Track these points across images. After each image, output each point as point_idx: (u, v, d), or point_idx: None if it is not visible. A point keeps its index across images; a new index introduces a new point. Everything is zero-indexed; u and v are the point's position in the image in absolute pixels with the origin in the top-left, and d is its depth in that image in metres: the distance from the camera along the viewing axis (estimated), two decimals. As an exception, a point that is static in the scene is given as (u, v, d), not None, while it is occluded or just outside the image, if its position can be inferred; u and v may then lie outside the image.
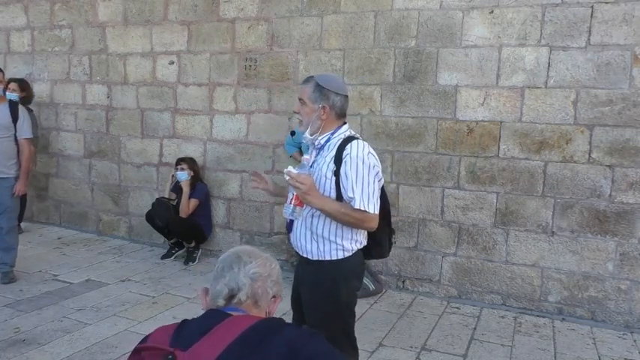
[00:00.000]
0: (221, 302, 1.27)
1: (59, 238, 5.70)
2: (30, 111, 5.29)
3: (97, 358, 3.11)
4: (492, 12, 3.97)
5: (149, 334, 1.19)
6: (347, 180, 2.04)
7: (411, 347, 3.38)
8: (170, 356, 1.07)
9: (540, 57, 3.87)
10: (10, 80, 5.33)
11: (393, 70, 4.32)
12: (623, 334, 3.69)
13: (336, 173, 2.07)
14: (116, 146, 5.72)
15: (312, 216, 2.14)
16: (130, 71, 5.53)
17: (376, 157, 2.12)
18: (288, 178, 1.96)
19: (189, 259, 5.01)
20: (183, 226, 4.93)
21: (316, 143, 2.18)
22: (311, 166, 2.15)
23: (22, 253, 4.60)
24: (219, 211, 5.22)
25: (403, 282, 4.45)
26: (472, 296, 4.22)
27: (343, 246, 2.13)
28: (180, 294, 4.18)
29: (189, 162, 5.01)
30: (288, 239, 2.37)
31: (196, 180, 5.01)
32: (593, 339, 3.61)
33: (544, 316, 3.95)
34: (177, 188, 5.03)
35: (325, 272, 2.14)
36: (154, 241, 5.48)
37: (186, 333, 1.14)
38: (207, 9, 5.03)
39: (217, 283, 1.29)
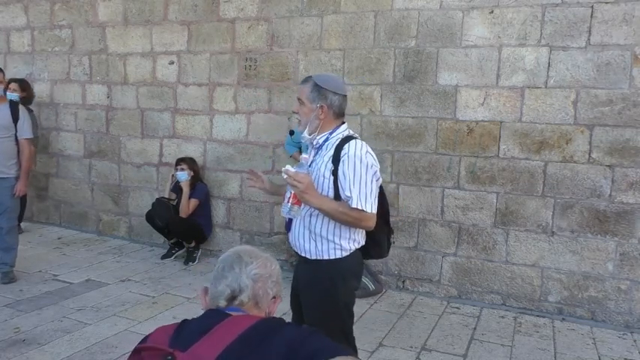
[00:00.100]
0: (222, 303, 1.26)
1: (59, 238, 5.70)
2: (30, 111, 5.29)
3: (97, 358, 3.11)
4: (492, 12, 3.97)
5: (149, 335, 1.19)
6: (345, 179, 2.05)
7: (411, 347, 3.38)
8: (169, 357, 1.06)
9: (540, 57, 3.87)
10: (11, 80, 5.33)
11: (393, 70, 4.32)
12: (623, 334, 3.69)
13: (334, 173, 2.07)
14: (116, 146, 5.72)
15: (311, 215, 2.14)
16: (130, 71, 5.53)
17: (374, 156, 2.12)
18: (286, 176, 1.96)
19: (189, 259, 5.01)
20: (183, 226, 4.93)
21: (314, 143, 2.18)
22: (309, 166, 2.16)
23: (22, 253, 4.60)
24: (219, 211, 5.22)
25: (403, 282, 4.45)
26: (472, 296, 4.22)
27: (341, 245, 2.13)
28: (180, 294, 4.18)
29: (189, 162, 5.01)
30: (288, 239, 2.37)
31: (196, 180, 5.01)
32: (593, 339, 3.61)
33: (544, 316, 3.95)
34: (177, 188, 5.03)
35: (323, 272, 2.14)
36: (154, 241, 5.48)
37: (185, 333, 1.14)
38: (207, 9, 5.03)
39: (219, 284, 1.29)
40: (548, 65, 3.86)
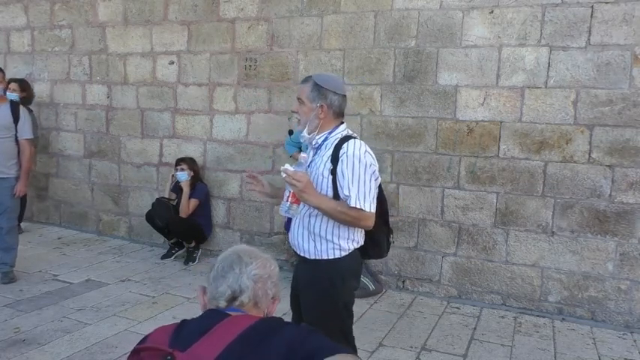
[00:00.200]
0: (223, 304, 1.26)
1: (59, 238, 5.70)
2: (30, 111, 5.29)
3: (97, 358, 3.11)
4: (492, 12, 3.97)
5: (148, 335, 1.19)
6: (343, 178, 2.05)
7: (411, 347, 3.38)
8: (169, 357, 1.06)
9: (540, 57, 3.87)
10: (11, 80, 5.32)
11: (393, 70, 4.32)
12: (623, 334, 3.69)
13: (333, 172, 2.08)
14: (116, 146, 5.72)
15: (310, 215, 2.14)
16: (130, 71, 5.53)
17: (373, 156, 2.13)
18: (284, 175, 1.97)
19: (189, 259, 5.01)
20: (183, 226, 4.93)
21: (313, 142, 2.19)
22: (308, 166, 2.16)
23: (22, 253, 4.60)
24: (219, 211, 5.22)
25: (403, 282, 4.45)
26: (472, 296, 4.22)
27: (340, 245, 2.13)
28: (180, 294, 4.18)
29: (189, 162, 5.01)
30: (288, 239, 2.37)
31: (196, 180, 5.01)
32: (593, 339, 3.61)
33: (544, 316, 3.95)
34: (177, 188, 5.03)
35: (322, 271, 2.14)
36: (154, 241, 5.48)
37: (185, 333, 1.14)
38: (207, 9, 5.03)
39: (219, 284, 1.28)
40: (548, 65, 3.86)
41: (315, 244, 2.15)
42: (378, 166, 2.14)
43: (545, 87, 3.88)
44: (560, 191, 3.91)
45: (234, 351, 1.06)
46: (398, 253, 4.40)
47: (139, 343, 1.16)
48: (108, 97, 5.70)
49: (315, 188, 2.06)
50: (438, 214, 4.28)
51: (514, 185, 4.03)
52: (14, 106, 4.26)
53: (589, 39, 3.74)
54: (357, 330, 2.36)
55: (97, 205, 5.91)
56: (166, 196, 5.08)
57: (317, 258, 2.15)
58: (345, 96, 2.20)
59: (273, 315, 1.33)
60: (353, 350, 2.29)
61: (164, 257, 5.08)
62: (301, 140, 2.29)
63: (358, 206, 2.03)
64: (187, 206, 4.89)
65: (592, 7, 3.71)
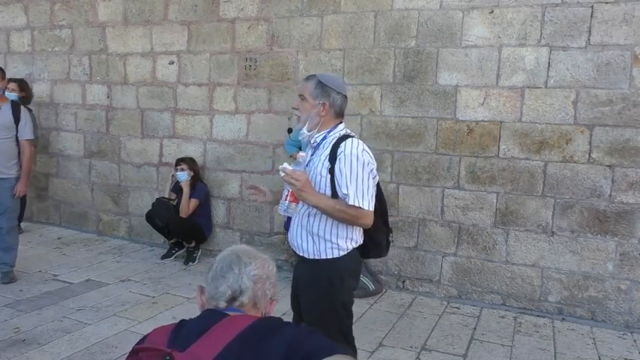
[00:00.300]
0: (223, 304, 1.26)
1: (59, 238, 5.70)
2: (29, 111, 5.29)
3: (97, 358, 3.11)
4: (492, 12, 3.97)
5: (147, 335, 1.19)
6: (341, 177, 2.05)
7: (411, 347, 3.38)
8: (167, 357, 1.06)
9: (540, 57, 3.87)
10: (9, 80, 5.32)
11: (393, 70, 4.32)
12: (623, 334, 3.69)
13: (331, 171, 2.08)
14: (116, 146, 5.72)
15: (309, 215, 2.15)
16: (130, 71, 5.53)
17: (371, 154, 2.13)
18: (283, 174, 1.97)
19: (189, 259, 5.01)
20: (183, 226, 4.93)
21: (312, 141, 2.19)
22: (307, 165, 2.16)
23: (22, 253, 4.60)
24: (219, 211, 5.22)
25: (403, 282, 4.45)
26: (472, 296, 4.22)
27: (338, 245, 2.13)
28: (180, 294, 4.18)
29: (189, 162, 5.01)
30: (288, 238, 2.38)
31: (196, 180, 5.01)
32: (593, 339, 3.61)
33: (544, 316, 3.95)
34: (177, 188, 5.03)
35: (321, 271, 2.14)
36: (154, 241, 5.48)
37: (183, 333, 1.14)
38: (207, 9, 5.03)
39: (219, 284, 1.28)
40: (548, 65, 3.85)
41: (313, 244, 2.15)
42: (375, 164, 2.14)
43: (545, 87, 3.88)
44: (560, 191, 3.91)
45: (233, 351, 1.06)
46: (398, 253, 4.40)
47: (138, 344, 1.16)
48: (108, 97, 5.70)
49: (313, 187, 2.06)
50: (438, 214, 4.28)
51: (514, 185, 4.03)
52: (15, 107, 4.26)
53: (589, 39, 3.74)
54: (357, 330, 2.36)
55: (97, 205, 5.91)
56: (166, 196, 5.08)
57: (316, 258, 2.16)
58: (346, 97, 2.22)
59: (271, 315, 1.33)
60: (353, 350, 2.29)
61: (164, 257, 5.08)
62: (300, 138, 2.29)
63: (357, 204, 2.03)
64: (187, 206, 4.89)
65: (592, 7, 3.70)
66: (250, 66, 4.90)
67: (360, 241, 2.22)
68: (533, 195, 3.99)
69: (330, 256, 2.14)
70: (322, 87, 2.14)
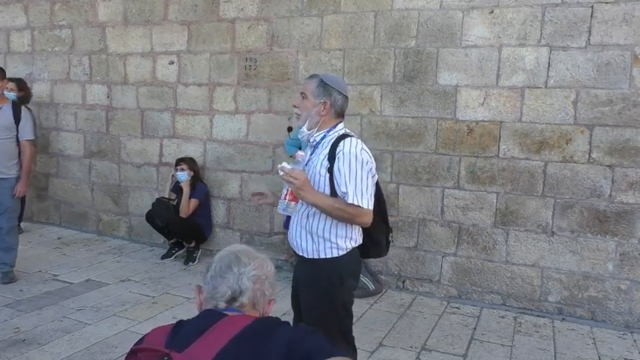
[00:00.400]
0: (222, 305, 1.25)
1: (59, 238, 5.70)
2: (29, 111, 5.29)
3: (97, 358, 3.12)
4: (492, 12, 3.97)
5: (145, 335, 1.19)
6: (340, 175, 2.06)
7: (411, 347, 3.38)
8: (166, 357, 1.06)
9: (540, 57, 3.87)
10: (8, 80, 5.31)
11: (393, 70, 4.31)
12: (623, 334, 3.69)
13: (330, 170, 2.08)
14: (116, 146, 5.72)
15: (308, 214, 2.16)
16: (130, 71, 5.53)
17: (370, 153, 2.14)
18: (282, 173, 1.98)
19: (189, 259, 5.01)
20: (183, 226, 4.93)
21: (312, 140, 2.19)
22: (306, 164, 2.16)
23: (22, 253, 4.60)
24: (219, 211, 5.22)
25: (403, 282, 4.45)
26: (472, 296, 4.22)
27: (337, 244, 2.13)
28: (180, 294, 4.18)
29: (189, 162, 5.01)
30: (287, 238, 2.38)
31: (196, 180, 5.01)
32: (593, 339, 3.61)
33: (544, 316, 3.95)
34: (177, 188, 5.03)
35: (321, 271, 2.14)
36: (154, 241, 5.48)
37: (182, 334, 1.13)
38: (207, 9, 5.03)
39: (218, 284, 1.27)
40: (548, 65, 3.85)
41: (313, 243, 2.16)
42: (374, 163, 2.15)
43: (545, 87, 3.88)
44: (560, 191, 3.91)
45: (231, 351, 1.06)
46: (398, 253, 4.40)
47: (136, 344, 1.16)
48: (108, 97, 5.70)
49: (312, 186, 2.06)
50: (438, 214, 4.28)
51: (514, 185, 4.03)
52: (16, 107, 4.26)
53: (589, 39, 3.74)
54: (357, 330, 2.36)
55: (97, 205, 5.91)
56: (166, 196, 5.08)
57: (315, 257, 2.16)
58: (347, 97, 2.24)
59: (270, 315, 1.32)
60: (353, 350, 2.29)
61: (164, 257, 5.08)
62: (300, 137, 2.30)
63: (356, 203, 2.04)
64: (187, 206, 4.89)
65: (592, 7, 3.70)
66: (250, 66, 4.90)
67: (360, 240, 2.22)
68: (533, 195, 3.98)
69: (329, 256, 2.14)
70: (324, 86, 2.15)
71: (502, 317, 3.93)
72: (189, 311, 3.67)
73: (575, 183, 3.87)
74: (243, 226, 5.11)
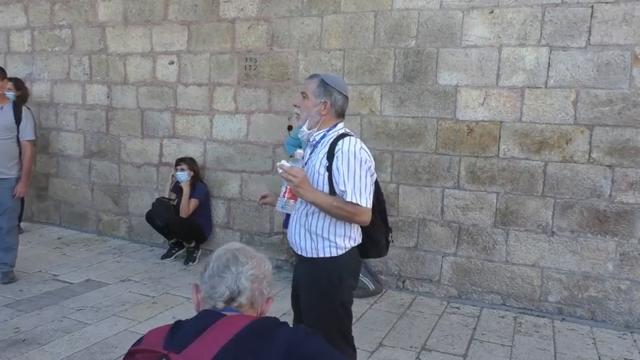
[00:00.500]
0: (220, 305, 1.25)
1: (59, 238, 5.70)
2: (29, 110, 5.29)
3: (97, 358, 3.12)
4: (492, 12, 3.97)
5: (143, 336, 1.18)
6: (339, 174, 2.06)
7: (411, 347, 3.38)
8: (164, 358, 1.06)
9: (540, 57, 3.86)
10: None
11: (393, 70, 4.31)
12: (623, 334, 3.69)
13: (329, 169, 2.09)
14: (116, 146, 5.72)
15: (307, 213, 2.16)
16: (130, 71, 5.53)
17: (369, 153, 2.14)
18: (280, 171, 1.98)
19: (189, 259, 5.01)
20: (183, 226, 4.93)
21: (311, 140, 2.20)
22: (305, 163, 2.17)
23: (22, 253, 4.60)
24: (219, 211, 5.22)
25: (403, 282, 4.45)
26: (472, 296, 4.22)
27: (336, 243, 2.13)
28: (180, 294, 4.18)
29: (189, 162, 5.01)
30: (287, 237, 2.39)
31: (196, 180, 5.01)
32: (593, 339, 3.61)
33: (544, 316, 3.94)
34: (177, 188, 5.03)
35: (321, 270, 2.14)
36: (154, 241, 5.48)
37: (180, 334, 1.13)
38: (207, 9, 5.03)
39: (216, 284, 1.26)
40: (548, 65, 3.85)
41: (311, 242, 2.16)
42: (373, 162, 2.15)
43: (545, 87, 3.88)
44: (560, 191, 3.91)
45: (230, 351, 1.06)
46: (398, 253, 4.40)
47: (134, 345, 1.16)
48: (108, 97, 5.70)
49: (311, 184, 2.07)
50: (438, 214, 4.28)
51: (514, 185, 4.03)
52: (16, 107, 4.27)
53: (589, 39, 3.74)
54: (357, 330, 2.36)
55: (97, 205, 5.91)
56: (166, 196, 5.09)
57: (313, 256, 2.16)
58: (347, 97, 2.24)
59: (267, 314, 1.32)
60: (352, 350, 2.29)
61: (164, 257, 5.09)
62: (300, 136, 2.30)
63: (354, 201, 2.04)
64: (187, 206, 4.89)
65: (592, 7, 3.70)
66: (250, 66, 4.90)
67: (359, 240, 2.22)
68: (533, 195, 3.98)
69: (328, 255, 2.14)
70: (325, 86, 2.16)
71: (502, 317, 3.93)
72: (189, 311, 3.67)
73: (575, 183, 3.86)
74: (243, 226, 5.11)
